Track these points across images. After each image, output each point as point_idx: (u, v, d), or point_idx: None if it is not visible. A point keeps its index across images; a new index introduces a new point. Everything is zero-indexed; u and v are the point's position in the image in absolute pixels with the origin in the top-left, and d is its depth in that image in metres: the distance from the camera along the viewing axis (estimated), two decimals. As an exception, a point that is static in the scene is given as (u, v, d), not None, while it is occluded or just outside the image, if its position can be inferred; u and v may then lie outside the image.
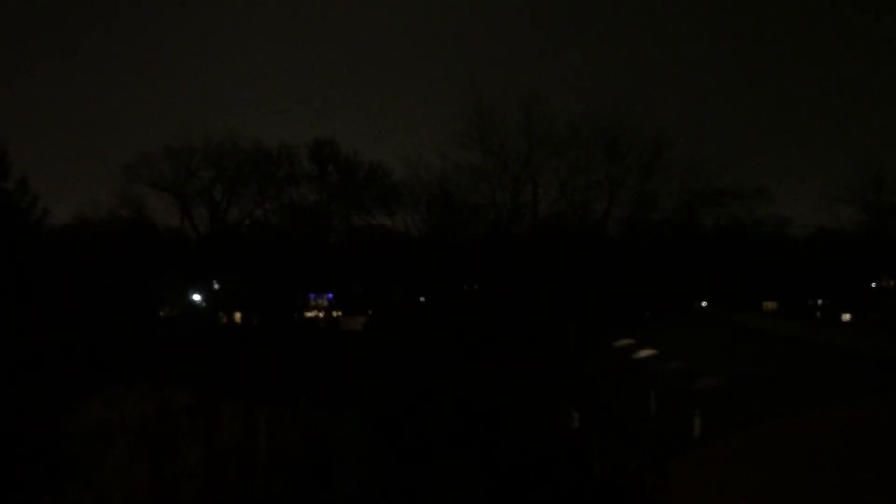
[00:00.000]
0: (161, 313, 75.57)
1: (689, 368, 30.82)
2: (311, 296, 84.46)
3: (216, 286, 76.03)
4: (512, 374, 48.21)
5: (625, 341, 40.77)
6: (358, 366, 55.59)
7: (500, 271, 59.39)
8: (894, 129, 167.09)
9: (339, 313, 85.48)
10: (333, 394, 46.53)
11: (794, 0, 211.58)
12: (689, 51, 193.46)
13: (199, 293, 74.98)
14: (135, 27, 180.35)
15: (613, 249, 61.75)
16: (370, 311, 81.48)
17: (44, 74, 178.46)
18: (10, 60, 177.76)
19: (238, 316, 76.59)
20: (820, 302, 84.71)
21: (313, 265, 72.13)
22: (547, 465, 31.70)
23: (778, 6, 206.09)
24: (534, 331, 53.85)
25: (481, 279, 67.48)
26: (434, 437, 36.60)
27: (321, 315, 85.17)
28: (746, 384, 26.55)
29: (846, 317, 77.91)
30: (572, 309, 58.66)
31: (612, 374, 37.03)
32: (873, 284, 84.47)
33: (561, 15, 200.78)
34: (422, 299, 75.24)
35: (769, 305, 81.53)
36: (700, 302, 74.74)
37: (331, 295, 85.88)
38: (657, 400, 27.67)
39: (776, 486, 22.10)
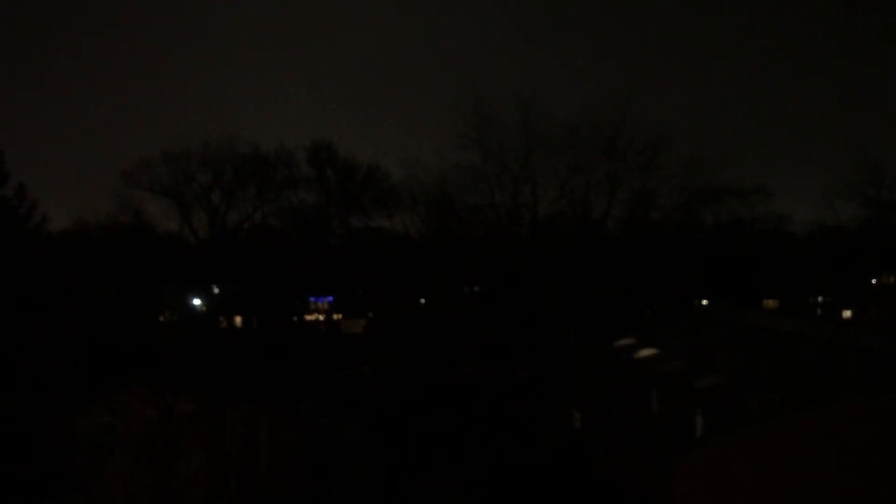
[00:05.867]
0: (161, 318, 75.55)
1: (690, 367, 30.78)
2: (311, 299, 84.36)
3: (216, 290, 75.95)
4: (513, 374, 48.22)
5: (626, 341, 40.72)
6: (358, 368, 55.54)
7: (500, 272, 59.35)
8: (894, 125, 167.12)
9: (340, 316, 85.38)
10: (334, 397, 46.52)
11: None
12: (688, 49, 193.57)
13: (199, 297, 74.91)
14: (132, 32, 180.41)
15: (613, 249, 61.71)
16: (370, 314, 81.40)
17: (41, 80, 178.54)
18: (8, 66, 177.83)
19: (238, 320, 76.50)
20: (820, 299, 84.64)
21: (313, 268, 72.03)
22: (549, 466, 31.67)
23: (777, 4, 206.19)
24: (535, 331, 53.84)
25: (481, 280, 67.43)
26: (435, 439, 36.56)
27: (321, 318, 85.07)
28: (748, 382, 26.52)
29: (847, 314, 77.88)
30: (573, 309, 58.65)
31: (614, 373, 36.99)
32: (874, 281, 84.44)
33: (559, 14, 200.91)
34: (422, 301, 75.17)
35: (770, 303, 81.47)
36: (701, 300, 74.71)
37: (331, 298, 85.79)
38: (659, 399, 27.65)
39: (779, 483, 22.08)
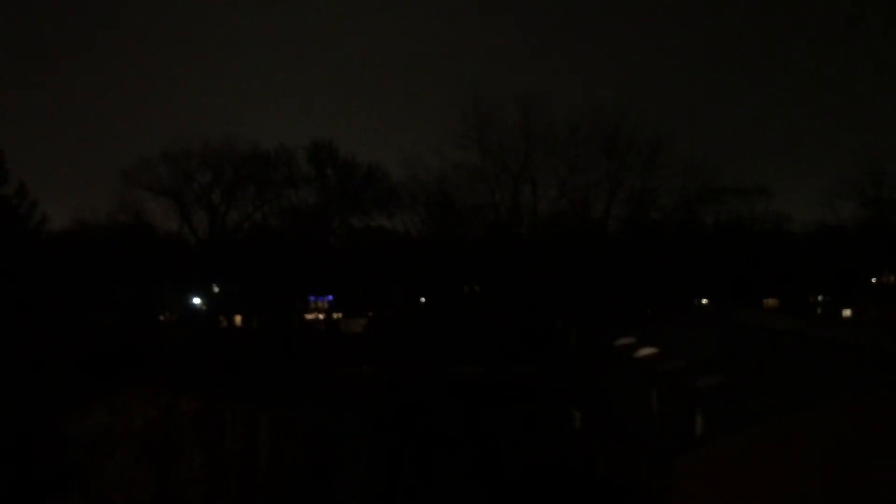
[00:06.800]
0: (161, 318, 75.57)
1: (690, 366, 30.77)
2: (311, 298, 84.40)
3: (216, 290, 75.98)
4: (513, 373, 48.23)
5: (626, 340, 40.72)
6: (358, 367, 55.55)
7: (500, 272, 59.38)
8: (893, 124, 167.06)
9: (340, 315, 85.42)
10: (334, 396, 46.53)
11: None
12: (687, 48, 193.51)
13: (199, 297, 74.91)
14: (132, 32, 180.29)
15: (613, 248, 61.72)
16: (370, 313, 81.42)
17: (41, 80, 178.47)
18: (8, 66, 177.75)
19: (238, 319, 76.53)
20: (821, 298, 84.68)
21: (313, 267, 72.04)
22: (549, 466, 31.68)
23: (777, 4, 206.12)
24: (535, 330, 53.87)
25: (482, 280, 67.43)
26: (436, 439, 36.57)
27: (321, 317, 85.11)
28: (748, 382, 26.51)
29: (847, 313, 77.93)
30: (573, 308, 58.67)
31: (614, 373, 37.00)
32: (874, 280, 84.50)
33: (558, 14, 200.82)
34: (422, 300, 75.22)
35: (770, 302, 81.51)
36: (701, 300, 74.72)
37: (331, 297, 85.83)
38: (659, 399, 27.65)
39: (779, 483, 22.06)
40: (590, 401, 34.57)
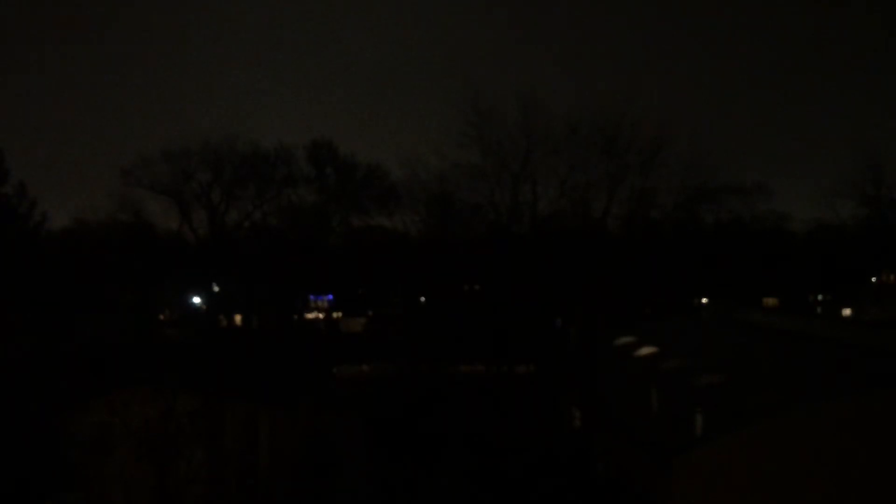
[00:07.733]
0: (161, 317, 75.63)
1: (690, 366, 30.75)
2: (311, 297, 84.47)
3: (216, 289, 75.99)
4: (513, 373, 48.24)
5: (626, 339, 40.70)
6: (358, 367, 55.62)
7: (500, 271, 59.35)
8: (893, 123, 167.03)
9: (340, 315, 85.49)
10: (334, 395, 46.56)
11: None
12: (687, 47, 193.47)
13: (199, 296, 74.94)
14: (132, 31, 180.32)
15: (613, 247, 61.69)
16: (370, 313, 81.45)
17: (41, 78, 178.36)
18: (7, 64, 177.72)
19: (238, 318, 76.56)
20: (820, 297, 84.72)
21: (312, 267, 72.06)
22: (549, 465, 31.69)
23: (777, 3, 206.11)
24: (535, 330, 53.86)
25: (481, 279, 67.43)
26: (435, 438, 36.56)
27: (321, 317, 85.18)
28: (748, 381, 26.50)
29: (847, 312, 77.93)
30: (573, 308, 58.67)
31: (614, 372, 37.00)
32: (874, 279, 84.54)
33: (558, 12, 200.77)
34: (422, 300, 75.26)
35: (770, 301, 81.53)
36: (700, 299, 74.72)
37: (331, 296, 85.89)
38: (659, 398, 27.65)
39: (779, 482, 22.05)
40: (589, 400, 34.59)
